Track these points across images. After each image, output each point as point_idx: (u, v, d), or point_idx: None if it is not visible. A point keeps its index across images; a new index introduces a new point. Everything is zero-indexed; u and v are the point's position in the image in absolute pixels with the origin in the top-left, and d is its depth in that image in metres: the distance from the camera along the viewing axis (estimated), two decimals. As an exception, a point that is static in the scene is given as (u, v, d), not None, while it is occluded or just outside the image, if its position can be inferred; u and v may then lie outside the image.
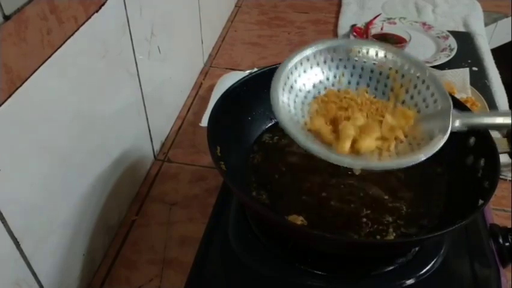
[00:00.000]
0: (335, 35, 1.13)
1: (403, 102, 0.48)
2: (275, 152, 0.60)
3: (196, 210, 0.71)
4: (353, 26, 1.10)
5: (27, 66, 0.44)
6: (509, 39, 1.27)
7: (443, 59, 0.97)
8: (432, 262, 0.50)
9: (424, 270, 0.50)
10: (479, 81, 0.94)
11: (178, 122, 0.88)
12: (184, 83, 0.93)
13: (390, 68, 0.49)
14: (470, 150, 0.54)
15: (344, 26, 1.14)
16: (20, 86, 0.43)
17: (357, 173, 0.57)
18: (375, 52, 0.49)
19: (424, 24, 1.11)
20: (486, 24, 1.18)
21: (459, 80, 0.89)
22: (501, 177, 0.74)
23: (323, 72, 0.49)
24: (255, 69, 0.67)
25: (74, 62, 0.51)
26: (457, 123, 0.45)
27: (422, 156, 0.42)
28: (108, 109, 0.61)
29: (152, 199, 0.73)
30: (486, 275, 0.51)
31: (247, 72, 0.85)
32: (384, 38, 1.00)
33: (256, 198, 0.55)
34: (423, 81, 0.48)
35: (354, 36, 1.07)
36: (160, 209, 0.71)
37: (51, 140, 0.49)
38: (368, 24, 1.07)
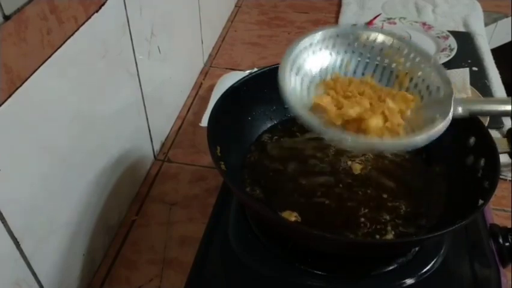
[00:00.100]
0: (335, 35, 1.13)
1: (407, 89, 0.49)
2: (272, 149, 0.60)
3: (196, 210, 0.71)
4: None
5: (27, 66, 0.44)
6: (509, 39, 1.26)
7: (443, 59, 0.97)
8: (432, 262, 0.50)
9: (424, 270, 0.49)
10: (479, 81, 0.93)
11: (178, 122, 0.88)
12: (184, 83, 0.93)
13: (396, 55, 0.50)
14: (470, 150, 0.54)
15: (344, 26, 1.14)
16: (20, 86, 0.43)
17: (356, 173, 0.58)
18: (382, 39, 0.50)
19: (424, 24, 1.10)
20: (486, 24, 1.17)
21: (459, 80, 0.89)
22: (501, 177, 0.74)
23: (331, 55, 0.50)
24: (255, 69, 0.66)
25: (74, 62, 0.51)
26: (459, 109, 0.45)
27: (424, 136, 0.42)
28: (108, 109, 0.61)
29: (152, 199, 0.73)
30: (486, 275, 0.51)
31: (247, 72, 0.85)
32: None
33: (250, 194, 0.55)
34: (428, 69, 0.48)
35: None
36: (160, 209, 0.71)
37: (51, 140, 0.49)
38: (368, 24, 1.07)
